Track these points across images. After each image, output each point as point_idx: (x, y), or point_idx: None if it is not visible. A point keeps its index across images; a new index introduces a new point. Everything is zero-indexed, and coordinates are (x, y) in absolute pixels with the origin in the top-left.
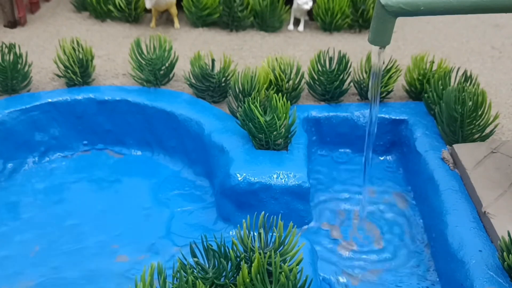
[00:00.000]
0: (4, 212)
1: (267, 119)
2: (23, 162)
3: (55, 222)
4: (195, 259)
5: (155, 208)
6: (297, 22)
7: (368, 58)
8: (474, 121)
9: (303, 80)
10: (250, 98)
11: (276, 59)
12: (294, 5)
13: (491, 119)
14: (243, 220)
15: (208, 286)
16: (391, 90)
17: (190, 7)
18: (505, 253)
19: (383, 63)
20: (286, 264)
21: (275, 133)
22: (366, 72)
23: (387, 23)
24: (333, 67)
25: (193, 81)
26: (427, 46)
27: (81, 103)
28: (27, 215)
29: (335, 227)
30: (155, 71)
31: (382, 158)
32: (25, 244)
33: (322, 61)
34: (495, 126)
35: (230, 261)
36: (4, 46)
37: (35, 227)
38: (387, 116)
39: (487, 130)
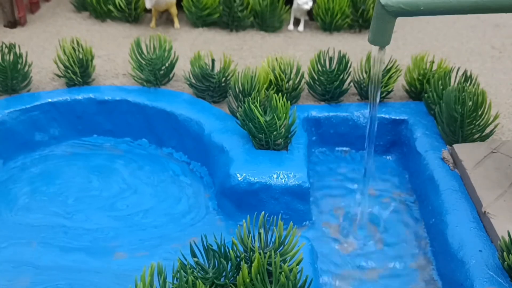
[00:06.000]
0: (4, 209)
1: (267, 119)
2: (23, 162)
3: (52, 216)
4: (195, 259)
5: (154, 207)
6: (297, 22)
7: (368, 58)
8: (474, 121)
9: (303, 80)
10: (250, 98)
11: (276, 59)
12: (294, 5)
13: (491, 119)
14: (243, 220)
15: (208, 286)
16: (391, 90)
17: (190, 7)
18: (505, 253)
19: (383, 63)
20: (286, 264)
21: (275, 133)
22: (366, 72)
23: (387, 23)
24: (333, 67)
25: (193, 81)
26: (427, 46)
27: (81, 103)
28: (26, 209)
29: (335, 227)
30: (155, 71)
31: (382, 158)
32: (22, 239)
33: (322, 61)
34: (495, 126)
35: (230, 261)
36: (4, 46)
37: (33, 221)
38: (387, 116)
39: (487, 130)
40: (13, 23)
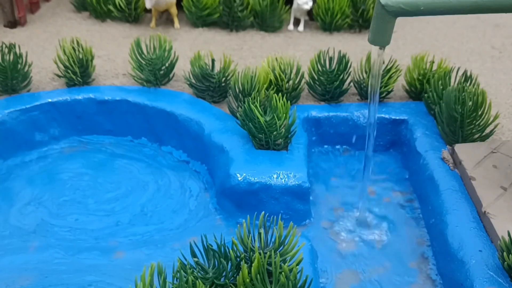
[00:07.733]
0: (5, 207)
1: (267, 119)
2: (23, 161)
3: (52, 214)
4: (195, 259)
5: (154, 207)
6: (297, 22)
7: (368, 58)
8: (474, 121)
9: (303, 80)
10: (250, 98)
11: (276, 59)
12: (294, 5)
13: (491, 119)
14: (243, 220)
15: (208, 286)
16: (391, 90)
17: (190, 7)
18: (505, 253)
19: (383, 63)
20: (286, 264)
21: (275, 133)
22: (366, 72)
23: (387, 23)
24: (333, 67)
25: (193, 81)
26: (427, 46)
27: (81, 103)
28: (25, 208)
29: (335, 227)
30: (155, 71)
31: (382, 158)
32: (23, 237)
33: (322, 61)
34: (495, 126)
35: (230, 261)
36: (4, 46)
37: (33, 219)
38: (387, 116)
39: (487, 130)
40: (13, 23)
